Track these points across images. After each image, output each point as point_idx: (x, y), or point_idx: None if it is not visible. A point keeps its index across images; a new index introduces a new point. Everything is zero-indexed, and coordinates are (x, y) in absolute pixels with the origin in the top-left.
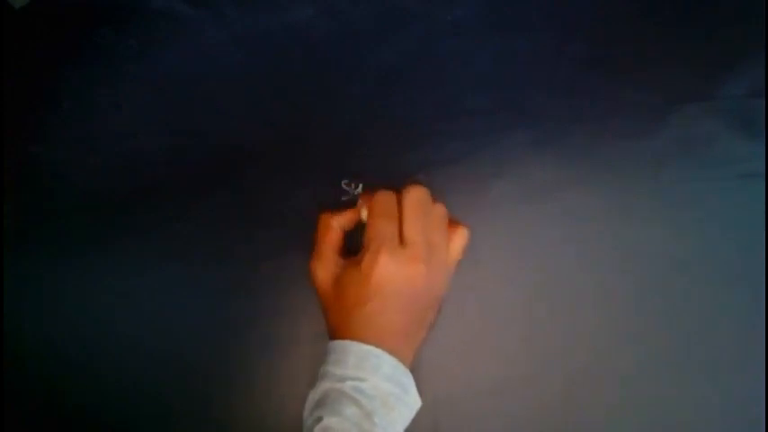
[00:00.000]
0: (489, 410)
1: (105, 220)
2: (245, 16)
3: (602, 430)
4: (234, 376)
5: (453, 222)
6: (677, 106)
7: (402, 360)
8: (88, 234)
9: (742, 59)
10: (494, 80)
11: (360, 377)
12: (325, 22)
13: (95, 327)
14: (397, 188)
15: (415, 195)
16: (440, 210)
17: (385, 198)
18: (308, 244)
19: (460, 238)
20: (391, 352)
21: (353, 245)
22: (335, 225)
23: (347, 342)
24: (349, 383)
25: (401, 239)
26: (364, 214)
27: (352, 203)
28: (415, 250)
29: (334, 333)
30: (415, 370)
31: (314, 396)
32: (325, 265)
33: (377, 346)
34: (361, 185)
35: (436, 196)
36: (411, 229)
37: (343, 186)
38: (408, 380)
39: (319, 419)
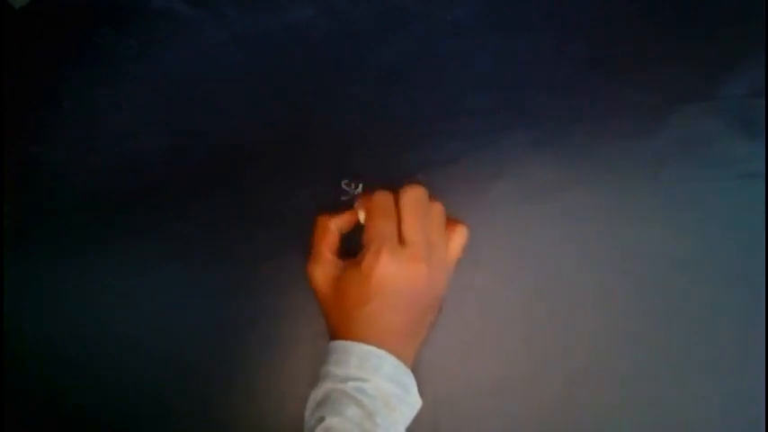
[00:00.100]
0: (489, 410)
1: (105, 220)
2: (245, 16)
3: (602, 430)
4: (234, 376)
5: (452, 221)
6: (677, 106)
7: (403, 360)
8: (88, 234)
9: (742, 59)
10: (494, 80)
11: (361, 377)
12: (325, 22)
13: (95, 327)
14: (396, 188)
15: (413, 195)
16: (438, 208)
17: (383, 198)
18: (307, 244)
19: (460, 236)
20: (392, 352)
21: (351, 246)
22: (333, 227)
23: (348, 342)
24: (351, 384)
25: (400, 239)
26: (362, 216)
27: (351, 204)
28: (416, 250)
29: (335, 333)
30: (415, 370)
31: (315, 396)
32: (323, 267)
33: (378, 346)
34: (361, 185)
35: (435, 196)
36: (410, 229)
37: (343, 186)
38: (410, 380)
39: (321, 420)
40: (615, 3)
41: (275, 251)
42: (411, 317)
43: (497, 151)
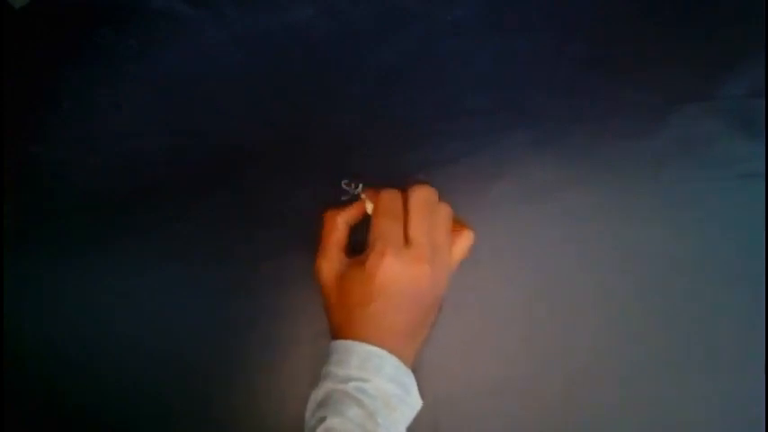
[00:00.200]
0: (489, 410)
1: (105, 220)
2: (245, 16)
3: (602, 430)
4: (234, 376)
5: (459, 224)
6: (677, 106)
7: (404, 360)
8: (88, 234)
9: (742, 59)
10: (494, 80)
11: (362, 378)
12: (325, 22)
13: (95, 327)
14: (400, 187)
15: (422, 195)
16: (445, 210)
17: (390, 197)
18: (308, 244)
19: (465, 240)
20: (394, 352)
21: (357, 242)
22: (341, 222)
23: (350, 342)
24: (352, 384)
25: (406, 239)
26: (369, 207)
27: (351, 204)
28: (420, 251)
29: (337, 332)
30: (415, 370)
31: (316, 396)
32: (331, 263)
33: (379, 346)
34: (361, 185)
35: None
36: (416, 230)
37: (344, 186)
38: (410, 380)
39: (322, 420)
40: (615, 3)
41: (275, 251)
42: (413, 317)
43: (497, 151)
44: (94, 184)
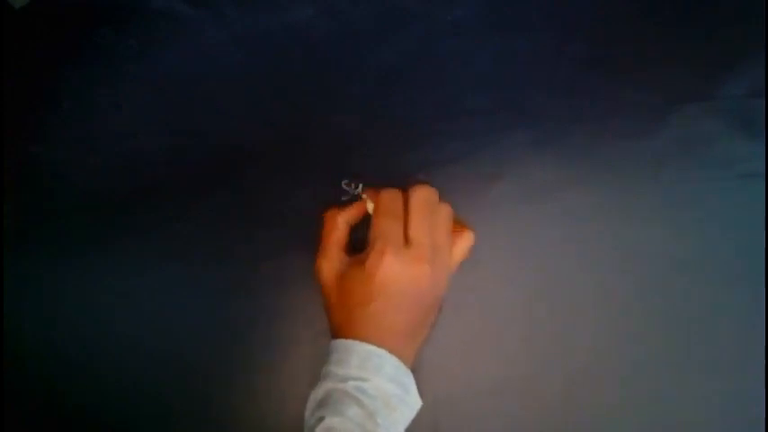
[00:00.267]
0: (489, 410)
1: (105, 220)
2: (245, 16)
3: (602, 430)
4: (234, 376)
5: (459, 224)
6: (677, 106)
7: (404, 360)
8: (88, 234)
9: (742, 59)
10: (494, 80)
11: (362, 377)
12: (325, 22)
13: (95, 327)
14: (401, 187)
15: (423, 195)
16: (446, 210)
17: (391, 196)
18: (308, 244)
19: (465, 240)
20: (393, 352)
21: (358, 241)
22: (341, 221)
23: (350, 342)
24: (351, 383)
25: (406, 239)
26: (370, 207)
27: (352, 203)
28: (421, 251)
29: (337, 332)
30: (415, 370)
31: (316, 396)
32: (331, 263)
33: (379, 346)
34: (361, 185)
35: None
36: (417, 230)
37: (344, 186)
38: (409, 380)
39: (321, 419)
40: (615, 3)
41: (275, 251)
42: (413, 317)
43: (497, 151)
44: (94, 184)
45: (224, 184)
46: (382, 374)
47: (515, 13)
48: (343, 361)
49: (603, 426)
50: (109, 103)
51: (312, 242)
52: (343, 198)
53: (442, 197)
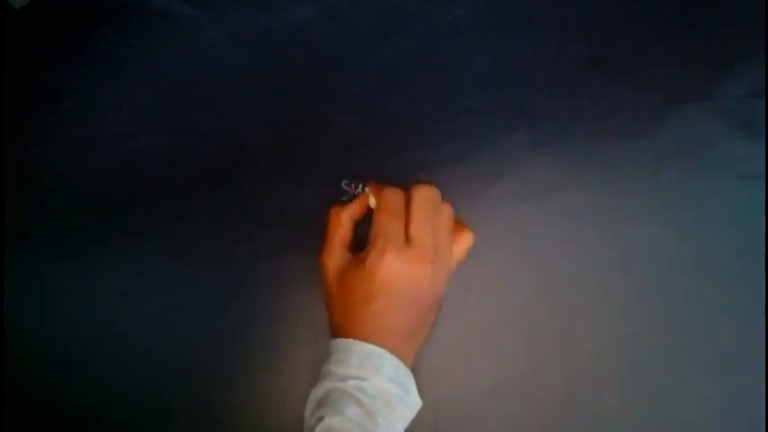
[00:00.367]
0: (489, 410)
1: (105, 220)
2: (245, 16)
3: (602, 430)
4: (234, 376)
5: (459, 224)
6: (677, 106)
7: (404, 360)
8: (88, 234)
9: (742, 59)
10: (494, 80)
11: (362, 377)
12: (325, 22)
13: (95, 327)
14: (406, 186)
15: (425, 194)
16: (447, 210)
17: (392, 195)
18: (308, 244)
19: (465, 240)
20: (393, 351)
21: (360, 238)
22: (346, 218)
23: (350, 341)
24: (351, 383)
25: (407, 238)
26: (372, 202)
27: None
28: (422, 251)
29: (337, 330)
30: (415, 370)
31: (315, 395)
32: (335, 260)
33: (379, 345)
34: (361, 185)
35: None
36: (418, 229)
37: (344, 186)
38: (409, 380)
39: (321, 419)
40: (615, 3)
41: (275, 251)
42: (413, 317)
43: (497, 151)
44: (94, 184)
45: (224, 184)
46: (382, 374)
47: (515, 13)
48: (342, 360)
49: (603, 426)
50: (109, 103)
51: (312, 242)
52: (344, 198)
53: (442, 197)
